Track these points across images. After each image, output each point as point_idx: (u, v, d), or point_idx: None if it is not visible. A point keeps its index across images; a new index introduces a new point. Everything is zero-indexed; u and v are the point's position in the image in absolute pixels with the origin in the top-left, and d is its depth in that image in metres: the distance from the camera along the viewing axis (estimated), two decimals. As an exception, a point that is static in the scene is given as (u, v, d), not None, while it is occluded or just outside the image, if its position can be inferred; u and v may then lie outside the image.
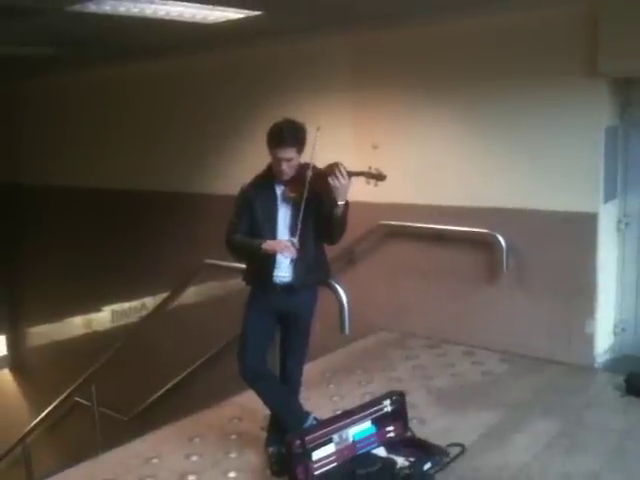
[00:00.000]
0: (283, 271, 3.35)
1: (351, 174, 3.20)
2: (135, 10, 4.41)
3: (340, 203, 3.21)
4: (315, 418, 3.58)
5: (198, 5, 4.43)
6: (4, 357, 10.04)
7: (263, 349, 3.48)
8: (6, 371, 10.06)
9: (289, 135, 3.24)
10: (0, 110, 9.13)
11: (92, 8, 4.24)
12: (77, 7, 4.20)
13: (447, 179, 5.26)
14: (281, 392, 3.57)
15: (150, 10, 4.46)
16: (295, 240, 3.21)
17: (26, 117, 9.03)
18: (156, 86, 7.26)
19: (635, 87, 4.71)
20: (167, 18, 4.68)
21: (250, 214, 3.35)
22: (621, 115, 4.77)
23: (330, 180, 3.16)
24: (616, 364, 4.78)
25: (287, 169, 3.27)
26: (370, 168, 3.22)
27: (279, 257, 3.29)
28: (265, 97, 6.12)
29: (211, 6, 4.47)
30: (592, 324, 4.71)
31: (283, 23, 5.16)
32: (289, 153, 3.24)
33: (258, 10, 4.61)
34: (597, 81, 4.49)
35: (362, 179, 3.24)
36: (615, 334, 4.98)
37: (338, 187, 3.17)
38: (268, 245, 3.24)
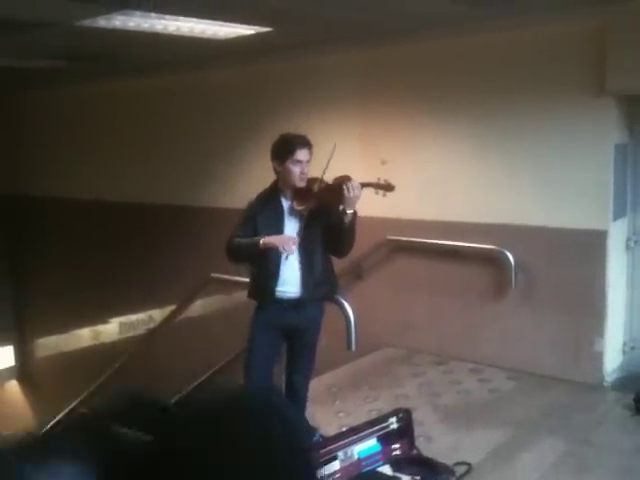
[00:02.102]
0: (291, 286, 3.35)
1: (361, 185, 3.23)
2: (145, 25, 4.44)
3: (349, 212, 3.23)
4: (320, 435, 3.56)
5: (208, 21, 4.46)
6: (12, 368, 10.05)
7: (269, 365, 3.48)
8: (14, 382, 10.07)
9: (304, 137, 3.34)
10: (4, 122, 9.16)
11: (102, 23, 4.27)
12: (87, 22, 4.23)
13: (455, 195, 5.25)
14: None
15: (160, 26, 4.49)
16: (296, 238, 3.21)
17: (31, 129, 9.09)
18: (163, 100, 7.30)
19: (644, 104, 4.70)
20: (177, 34, 4.71)
21: (254, 227, 3.36)
22: (630, 133, 4.76)
23: (344, 191, 3.17)
24: (625, 383, 4.73)
25: (306, 171, 3.30)
26: (379, 179, 3.27)
27: (283, 272, 3.29)
28: (273, 112, 6.14)
29: (221, 22, 4.50)
30: (601, 342, 4.67)
31: (292, 39, 5.19)
32: (307, 154, 3.32)
33: (268, 27, 4.63)
34: (605, 99, 4.48)
35: (370, 191, 3.27)
36: (624, 352, 4.94)
37: (351, 197, 3.18)
38: (267, 239, 3.22)
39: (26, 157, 9.26)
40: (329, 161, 3.26)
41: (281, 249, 3.18)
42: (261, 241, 3.22)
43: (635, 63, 4.24)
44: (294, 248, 3.20)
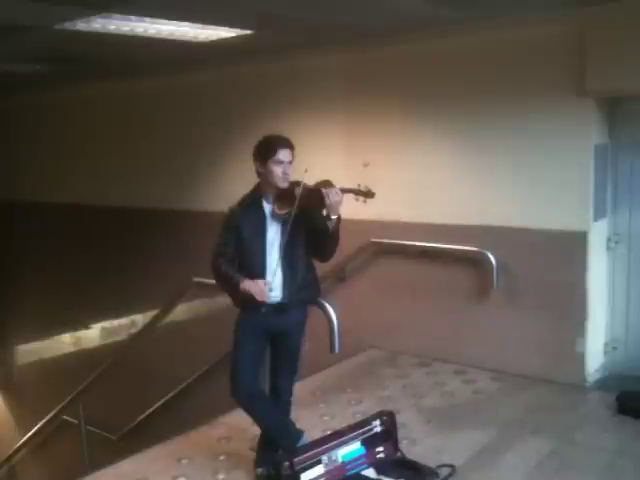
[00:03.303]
0: (273, 290, 3.33)
1: (342, 191, 3.22)
2: (126, 29, 4.41)
3: (333, 217, 3.22)
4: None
5: (189, 24, 4.44)
6: (-8, 375, 9.95)
7: (255, 369, 3.45)
8: (-6, 389, 9.97)
9: (286, 138, 3.33)
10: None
11: (81, 26, 4.24)
12: (67, 25, 4.19)
13: (437, 197, 5.26)
14: (274, 411, 3.54)
15: (141, 29, 4.46)
16: (270, 282, 3.22)
17: (15, 133, 9.01)
18: (146, 103, 7.26)
19: (623, 105, 4.74)
20: (158, 37, 4.69)
21: (237, 234, 3.34)
22: (610, 133, 4.80)
23: (325, 195, 3.17)
24: (607, 383, 4.77)
25: (289, 172, 3.30)
26: (359, 185, 3.24)
27: (267, 277, 3.28)
28: (256, 115, 6.13)
29: (202, 25, 4.49)
30: (583, 342, 4.69)
31: (274, 42, 5.18)
32: (290, 155, 3.30)
33: (249, 29, 4.62)
34: (585, 100, 4.51)
35: (350, 196, 3.25)
36: (606, 352, 4.97)
37: (332, 202, 3.17)
38: (245, 285, 3.23)
39: (8, 162, 9.17)
40: (301, 186, 3.25)
41: (259, 299, 3.20)
42: (240, 286, 3.24)
43: (614, 64, 4.28)
44: (267, 295, 3.21)
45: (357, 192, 3.23)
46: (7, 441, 7.07)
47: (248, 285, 3.23)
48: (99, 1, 3.70)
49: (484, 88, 4.95)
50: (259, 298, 3.20)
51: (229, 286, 3.36)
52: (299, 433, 3.53)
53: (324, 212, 3.25)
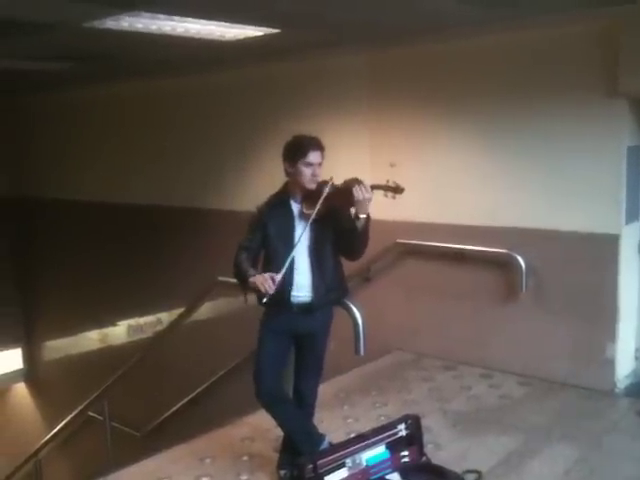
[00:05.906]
0: (302, 290, 3.31)
1: (371, 187, 3.20)
2: (153, 27, 4.41)
3: (362, 216, 3.18)
4: (329, 442, 3.51)
5: (217, 22, 4.43)
6: (20, 370, 10.07)
7: (279, 370, 3.44)
8: (22, 384, 10.09)
9: (316, 140, 3.30)
10: (11, 124, 9.22)
11: (110, 24, 4.24)
12: (95, 23, 4.20)
13: (465, 198, 5.20)
14: (297, 414, 3.51)
15: (168, 27, 4.46)
16: (278, 276, 3.13)
17: (38, 131, 9.10)
18: (170, 102, 7.29)
19: (657, 107, 4.64)
20: (186, 35, 4.69)
21: (264, 233, 3.32)
22: (643, 135, 4.70)
23: (355, 192, 3.13)
24: (637, 389, 4.68)
25: (318, 173, 3.27)
26: (388, 181, 3.22)
27: (296, 277, 3.25)
28: (281, 115, 6.11)
29: (230, 23, 4.48)
30: (613, 348, 4.60)
31: (301, 41, 5.15)
32: (320, 157, 3.28)
33: (276, 28, 4.60)
34: (618, 100, 4.42)
35: (380, 194, 3.22)
36: (636, 358, 4.88)
37: (362, 200, 3.14)
38: (254, 279, 3.17)
39: (33, 159, 9.28)
40: (323, 196, 3.20)
41: (262, 289, 3.13)
42: (250, 280, 3.19)
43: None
44: (272, 288, 3.10)
45: (386, 188, 3.20)
46: (34, 436, 7.13)
47: (254, 279, 3.17)
48: (128, -1, 3.70)
49: (514, 88, 4.88)
50: (262, 288, 3.10)
51: (241, 279, 3.30)
52: (320, 438, 3.50)
53: (352, 211, 3.22)
